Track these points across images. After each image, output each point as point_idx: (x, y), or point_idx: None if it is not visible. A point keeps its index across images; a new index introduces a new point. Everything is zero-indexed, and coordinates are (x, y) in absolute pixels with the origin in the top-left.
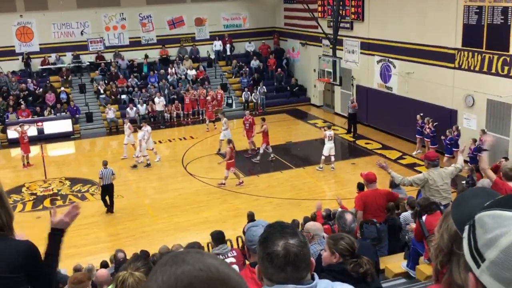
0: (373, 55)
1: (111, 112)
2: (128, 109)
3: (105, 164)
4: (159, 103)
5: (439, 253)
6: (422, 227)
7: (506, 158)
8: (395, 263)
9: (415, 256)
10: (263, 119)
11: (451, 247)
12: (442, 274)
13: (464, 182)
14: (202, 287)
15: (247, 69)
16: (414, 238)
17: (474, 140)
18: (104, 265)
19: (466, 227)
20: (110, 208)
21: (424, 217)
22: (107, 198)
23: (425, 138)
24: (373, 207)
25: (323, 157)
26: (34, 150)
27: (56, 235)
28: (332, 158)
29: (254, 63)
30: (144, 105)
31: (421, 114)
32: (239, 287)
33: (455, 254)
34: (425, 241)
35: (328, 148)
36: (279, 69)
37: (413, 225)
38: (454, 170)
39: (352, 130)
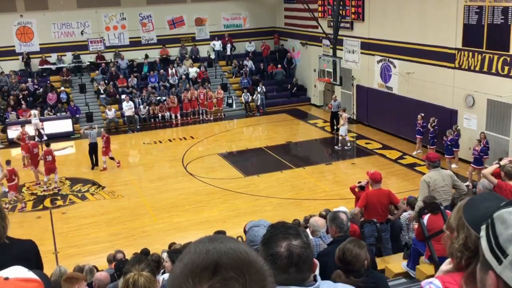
0: (373, 55)
1: (111, 113)
2: (123, 109)
3: (91, 127)
4: (128, 108)
5: (466, 250)
6: (422, 227)
7: (501, 159)
8: (395, 263)
9: (416, 256)
10: (47, 145)
11: (479, 244)
12: (466, 265)
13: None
14: (228, 263)
15: (248, 69)
16: (415, 237)
17: (479, 141)
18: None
19: (483, 227)
20: (96, 164)
21: (427, 216)
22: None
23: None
24: (378, 206)
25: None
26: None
27: None
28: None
29: (248, 63)
30: (147, 107)
31: (422, 114)
32: (262, 272)
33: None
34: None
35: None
36: (279, 66)
37: (416, 225)
38: (457, 179)
39: (334, 126)
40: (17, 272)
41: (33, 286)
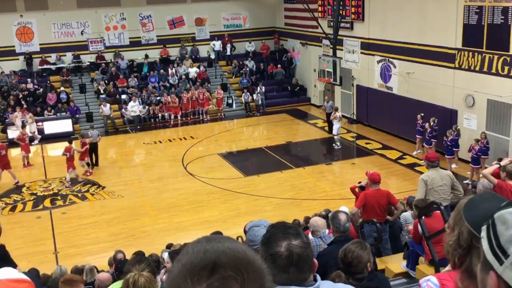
0: (373, 55)
1: (107, 109)
2: (123, 110)
3: (92, 127)
4: (134, 108)
5: (459, 248)
6: (422, 227)
7: (500, 159)
8: (395, 263)
9: (415, 257)
10: (69, 142)
11: (470, 242)
12: (460, 263)
13: (465, 182)
14: (226, 262)
15: (247, 69)
16: (412, 240)
17: (477, 141)
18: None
19: (484, 227)
20: (95, 164)
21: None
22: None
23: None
24: (376, 207)
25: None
26: (34, 150)
27: None
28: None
29: (249, 64)
30: (147, 107)
31: (422, 114)
32: (260, 271)
33: (475, 247)
34: (424, 243)
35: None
36: (278, 65)
37: (410, 227)
38: (456, 180)
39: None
40: (8, 273)
41: (24, 286)
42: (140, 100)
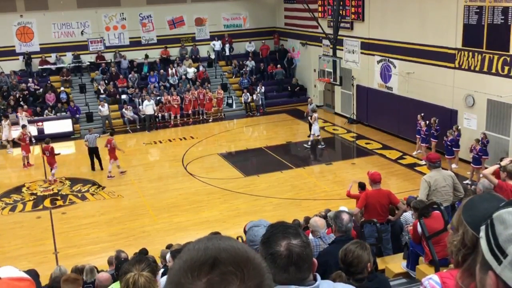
0: (373, 55)
1: (105, 109)
2: (123, 110)
3: (89, 130)
4: (148, 106)
5: (463, 248)
6: (422, 227)
7: (501, 159)
8: (395, 263)
9: (415, 257)
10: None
11: (475, 241)
12: (463, 261)
13: (466, 182)
14: (227, 258)
15: (247, 69)
16: (412, 240)
17: (478, 141)
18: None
19: (483, 227)
20: (100, 166)
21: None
22: (95, 161)
23: (431, 139)
24: (377, 206)
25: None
26: (34, 150)
27: None
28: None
29: (249, 63)
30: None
31: (422, 114)
32: (260, 268)
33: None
34: (424, 244)
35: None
36: (278, 65)
37: (410, 228)
38: (457, 181)
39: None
40: (9, 271)
41: (26, 285)
42: (140, 100)
